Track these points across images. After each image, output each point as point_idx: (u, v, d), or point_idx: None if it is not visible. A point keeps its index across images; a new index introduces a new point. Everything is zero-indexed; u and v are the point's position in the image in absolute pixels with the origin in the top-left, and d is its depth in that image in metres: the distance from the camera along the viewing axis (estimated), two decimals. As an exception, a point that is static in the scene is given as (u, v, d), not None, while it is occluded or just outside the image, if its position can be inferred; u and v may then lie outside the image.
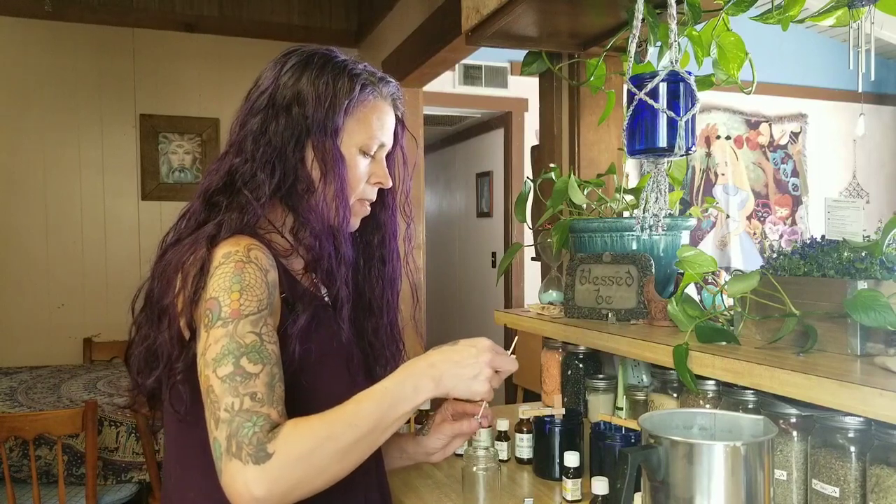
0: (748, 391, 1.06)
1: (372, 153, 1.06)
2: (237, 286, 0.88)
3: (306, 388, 0.95)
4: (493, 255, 5.33)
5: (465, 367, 0.94)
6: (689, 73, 1.11)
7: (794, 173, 5.02)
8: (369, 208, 1.11)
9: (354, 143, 1.04)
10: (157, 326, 0.94)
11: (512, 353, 1.01)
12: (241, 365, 0.83)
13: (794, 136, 5.02)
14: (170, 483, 1.03)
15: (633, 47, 1.18)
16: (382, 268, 1.16)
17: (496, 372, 0.96)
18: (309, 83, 1.01)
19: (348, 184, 1.04)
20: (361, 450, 0.86)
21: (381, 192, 1.12)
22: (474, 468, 1.19)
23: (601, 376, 1.57)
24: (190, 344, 0.91)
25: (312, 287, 1.04)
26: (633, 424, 1.28)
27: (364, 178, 1.07)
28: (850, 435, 0.91)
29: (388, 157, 1.11)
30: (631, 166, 1.96)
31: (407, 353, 1.17)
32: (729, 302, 1.24)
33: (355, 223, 1.10)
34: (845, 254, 1.04)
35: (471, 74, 4.45)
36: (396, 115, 1.11)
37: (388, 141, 1.09)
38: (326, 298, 1.05)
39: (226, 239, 0.93)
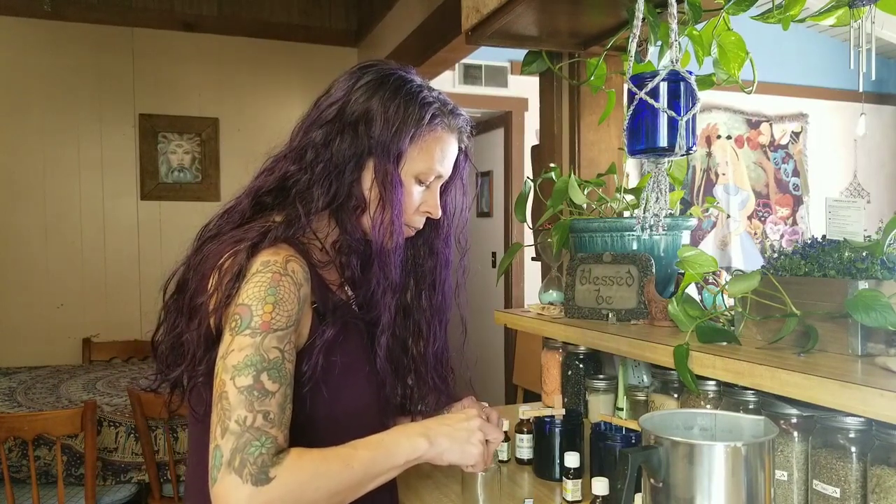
0: (749, 391, 1.05)
1: (427, 183, 1.06)
2: (272, 298, 0.87)
3: (327, 399, 0.96)
4: (493, 255, 5.33)
5: (458, 431, 0.97)
6: (690, 73, 1.10)
7: (795, 173, 5.02)
8: (413, 233, 1.11)
9: (413, 171, 1.03)
10: (186, 322, 0.94)
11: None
12: (261, 380, 0.84)
13: (795, 135, 5.01)
14: (191, 479, 1.03)
15: (633, 47, 1.18)
16: (433, 294, 1.15)
17: (487, 442, 0.99)
18: (380, 104, 1.01)
19: (404, 208, 1.03)
20: (351, 493, 0.88)
21: (437, 220, 1.12)
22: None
23: (601, 376, 1.57)
24: (215, 346, 0.90)
25: (346, 299, 1.04)
26: (633, 425, 1.27)
27: (415, 205, 1.06)
28: (851, 435, 0.91)
29: (447, 185, 1.12)
30: (631, 166, 1.96)
31: (456, 382, 1.18)
32: (730, 302, 1.23)
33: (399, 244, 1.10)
34: (846, 254, 1.03)
35: (471, 74, 4.45)
36: (460, 147, 1.11)
37: (446, 173, 1.09)
38: (353, 306, 1.05)
39: (268, 247, 0.92)
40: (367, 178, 1.01)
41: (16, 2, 3.89)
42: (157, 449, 2.50)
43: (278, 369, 0.86)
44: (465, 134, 1.10)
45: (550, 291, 1.70)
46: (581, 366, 1.61)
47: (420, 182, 1.05)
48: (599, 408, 1.55)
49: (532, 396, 3.27)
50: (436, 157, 1.05)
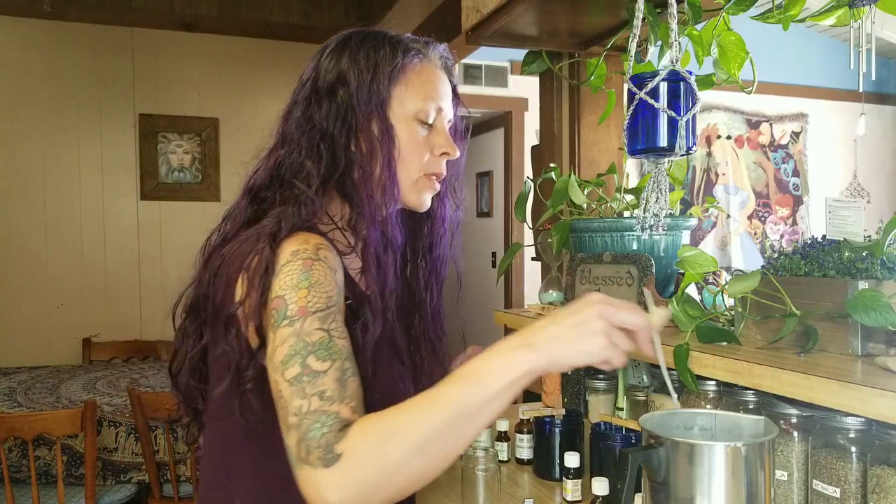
0: (749, 391, 1.05)
1: (430, 121, 0.98)
2: (305, 283, 0.82)
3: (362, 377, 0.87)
4: (493, 255, 5.33)
5: (569, 327, 0.76)
6: (690, 73, 1.10)
7: (795, 173, 5.02)
8: (438, 185, 1.03)
9: (408, 112, 0.97)
10: (223, 335, 0.88)
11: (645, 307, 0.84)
12: (308, 364, 0.78)
13: (795, 135, 5.01)
14: (210, 489, 0.98)
15: (633, 47, 1.18)
16: (429, 257, 1.09)
17: (621, 331, 0.78)
18: (349, 60, 0.96)
19: (398, 158, 0.96)
20: (446, 440, 0.74)
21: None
22: (474, 469, 1.19)
23: (601, 376, 1.57)
24: (259, 350, 0.86)
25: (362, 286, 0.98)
26: (633, 425, 1.27)
27: (426, 148, 0.98)
28: (851, 435, 0.91)
29: None
30: (631, 166, 1.96)
31: (448, 342, 1.12)
32: (729, 302, 1.23)
33: (425, 200, 1.02)
34: (846, 254, 1.03)
35: (471, 74, 4.45)
36: (450, 82, 1.03)
37: (447, 107, 1.01)
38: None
39: (291, 236, 0.87)
40: (361, 138, 0.96)
41: (16, 2, 3.89)
42: (156, 449, 2.50)
43: (326, 348, 0.79)
44: (450, 64, 1.04)
45: (550, 291, 1.70)
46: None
47: (422, 122, 0.98)
48: (599, 408, 1.55)
49: (532, 396, 3.27)
50: (425, 88, 0.98)
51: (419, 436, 0.73)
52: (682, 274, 1.23)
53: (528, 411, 1.46)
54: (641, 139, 1.13)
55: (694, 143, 1.12)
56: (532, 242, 1.81)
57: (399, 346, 1.02)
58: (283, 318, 0.81)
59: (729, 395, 1.10)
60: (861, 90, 4.48)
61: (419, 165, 0.98)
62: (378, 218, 0.95)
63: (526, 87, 4.50)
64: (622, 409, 1.50)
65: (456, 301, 1.16)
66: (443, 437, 0.73)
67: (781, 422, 0.99)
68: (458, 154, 1.02)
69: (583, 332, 0.76)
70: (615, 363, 0.78)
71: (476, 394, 0.75)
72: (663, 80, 1.09)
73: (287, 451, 0.77)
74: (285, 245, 0.86)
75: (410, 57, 0.98)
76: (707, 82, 1.39)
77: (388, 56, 0.96)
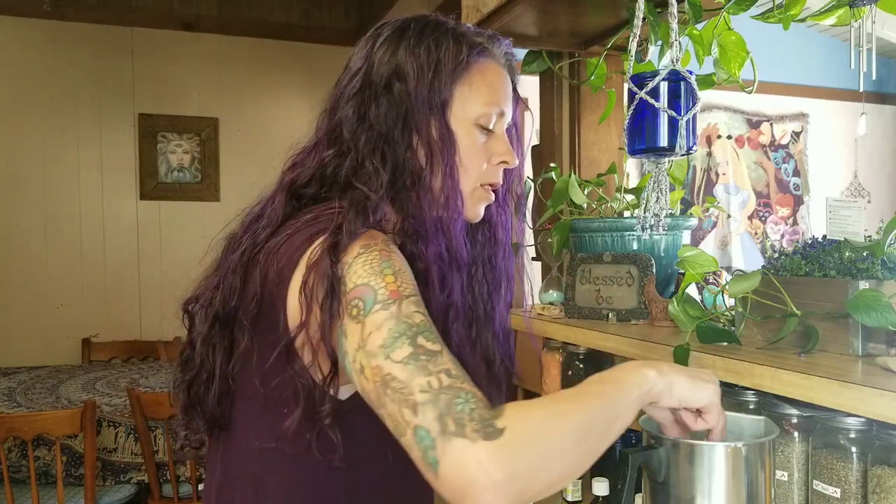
0: (749, 392, 1.05)
1: (491, 126, 0.91)
2: (389, 269, 0.75)
3: None
4: (494, 254, 5.32)
5: (688, 369, 0.81)
6: (690, 73, 1.10)
7: (796, 173, 5.02)
8: (493, 196, 0.95)
9: (469, 116, 0.89)
10: (285, 362, 0.79)
11: None
12: (420, 343, 0.69)
13: (796, 135, 5.01)
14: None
15: (633, 46, 1.17)
16: (491, 270, 0.99)
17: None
18: (408, 53, 0.87)
19: (459, 166, 0.88)
20: (596, 435, 0.71)
21: None
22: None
23: (601, 376, 1.56)
24: (333, 378, 0.78)
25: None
26: (633, 425, 1.27)
27: (484, 157, 0.91)
28: (852, 436, 0.91)
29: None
30: (631, 166, 1.96)
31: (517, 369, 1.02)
32: (730, 302, 1.23)
33: (479, 212, 0.94)
34: (847, 254, 1.03)
35: (471, 74, 4.45)
36: (512, 81, 0.95)
37: (508, 110, 0.93)
38: None
39: (351, 242, 0.78)
40: (415, 142, 0.87)
41: (15, 1, 3.89)
42: (156, 449, 2.50)
43: (431, 331, 0.72)
44: (514, 63, 0.96)
45: (550, 291, 1.69)
46: (581, 366, 1.61)
47: (482, 128, 0.90)
48: (599, 408, 1.54)
49: (532, 396, 3.27)
50: (489, 90, 0.90)
51: (578, 424, 0.69)
52: (683, 274, 1.23)
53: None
54: (642, 139, 1.13)
55: (694, 143, 1.12)
56: (532, 242, 1.81)
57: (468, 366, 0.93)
58: (374, 303, 0.72)
59: (729, 395, 1.10)
60: (862, 90, 4.47)
61: (477, 175, 0.91)
62: (442, 231, 0.87)
63: (526, 87, 4.48)
64: (622, 410, 1.50)
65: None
66: (594, 431, 0.70)
67: (782, 422, 0.99)
68: (517, 163, 0.94)
69: (700, 375, 0.80)
70: (710, 418, 0.81)
71: (618, 399, 0.74)
72: (664, 79, 1.09)
73: (411, 438, 0.66)
74: (352, 246, 0.78)
75: (476, 54, 0.89)
76: (707, 82, 1.39)
77: (451, 51, 0.88)
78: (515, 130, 0.97)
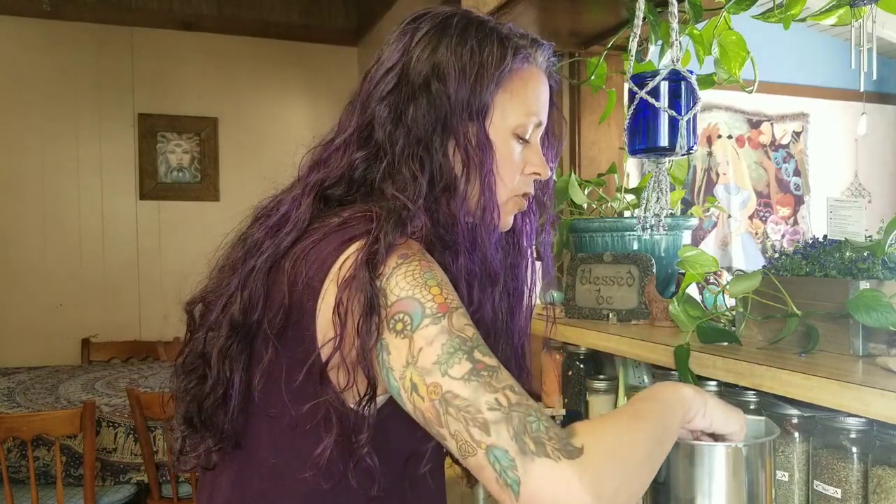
0: (750, 392, 1.05)
1: (527, 136, 0.87)
2: (433, 280, 0.71)
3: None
4: (494, 254, 5.32)
5: (725, 405, 0.82)
6: (691, 72, 1.10)
7: (796, 173, 5.02)
8: (525, 204, 0.92)
9: (508, 125, 0.85)
10: (317, 385, 0.75)
11: None
12: (478, 359, 0.67)
13: (796, 135, 5.01)
14: None
15: (634, 46, 1.17)
16: (513, 281, 0.94)
17: None
18: (449, 52, 0.82)
19: (497, 177, 0.84)
20: (658, 453, 0.71)
21: None
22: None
23: (602, 377, 1.56)
24: (371, 401, 0.73)
25: None
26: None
27: (520, 167, 0.87)
28: (852, 436, 0.91)
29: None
30: (632, 166, 1.95)
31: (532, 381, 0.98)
32: (730, 302, 1.23)
33: (508, 222, 0.91)
34: (847, 254, 1.03)
35: (471, 74, 4.44)
36: (550, 86, 0.91)
37: (545, 119, 0.90)
38: None
39: (388, 256, 0.74)
40: (451, 148, 0.83)
41: (15, 1, 3.89)
42: (156, 449, 2.50)
43: (484, 345, 0.69)
44: (554, 69, 0.91)
45: (550, 291, 1.69)
46: (581, 366, 1.61)
47: (519, 138, 0.86)
48: (600, 408, 1.54)
49: (532, 396, 3.27)
50: (530, 100, 0.86)
51: (645, 441, 0.68)
52: (683, 274, 1.23)
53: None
54: (642, 139, 1.13)
55: (695, 143, 1.12)
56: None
57: None
58: (423, 317, 0.68)
59: (730, 395, 1.10)
60: (862, 90, 4.47)
61: (511, 185, 0.87)
62: (476, 243, 0.83)
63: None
64: (622, 410, 1.50)
65: (546, 333, 1.06)
66: (659, 447, 0.70)
67: (783, 422, 0.99)
68: (549, 175, 0.90)
69: (730, 407, 0.82)
70: (736, 437, 0.82)
71: (667, 415, 0.73)
72: (664, 79, 1.09)
73: (484, 459, 0.64)
74: (387, 262, 0.73)
75: (520, 60, 0.85)
76: (708, 82, 1.38)
77: (496, 55, 0.83)
78: (548, 138, 0.93)
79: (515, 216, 0.93)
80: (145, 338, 4.12)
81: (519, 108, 0.85)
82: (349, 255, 0.74)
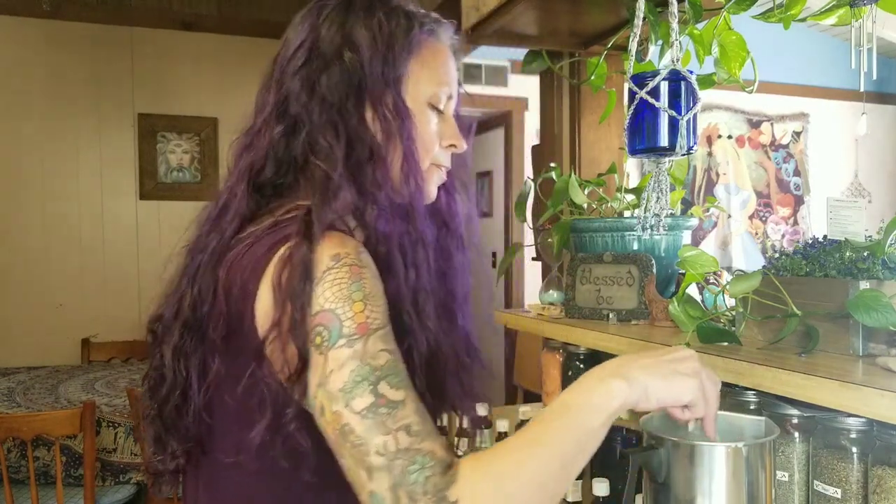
0: (750, 392, 1.05)
1: (441, 106, 0.89)
2: (359, 294, 0.70)
3: None
4: (494, 255, 5.33)
5: (662, 362, 0.75)
6: (691, 72, 1.10)
7: (796, 173, 5.02)
8: (445, 175, 0.92)
9: (422, 94, 0.86)
10: (253, 365, 0.74)
11: None
12: (382, 392, 0.67)
13: (796, 135, 5.01)
14: None
15: (634, 46, 1.17)
16: (447, 262, 0.94)
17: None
18: (358, 25, 0.83)
19: (419, 143, 0.85)
20: (559, 476, 0.69)
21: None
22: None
23: (601, 377, 1.56)
24: (301, 375, 0.71)
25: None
26: (633, 425, 1.27)
27: (436, 137, 0.89)
28: (852, 436, 0.91)
29: None
30: (632, 166, 1.95)
31: (484, 358, 0.98)
32: (730, 302, 1.23)
33: (433, 192, 0.91)
34: (847, 254, 1.03)
35: (470, 73, 4.45)
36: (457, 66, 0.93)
37: (455, 94, 0.91)
38: None
39: (325, 236, 0.74)
40: (369, 117, 0.84)
41: (15, 1, 3.89)
42: (156, 449, 2.50)
43: (395, 373, 0.69)
44: (458, 50, 0.93)
45: (550, 291, 1.69)
46: (581, 366, 1.61)
47: (433, 107, 0.88)
48: (599, 408, 1.54)
49: (532, 396, 3.27)
50: (440, 71, 0.88)
51: (536, 473, 0.67)
52: (683, 274, 1.23)
53: (529, 412, 1.46)
54: (642, 139, 1.13)
55: (695, 143, 1.12)
56: (532, 242, 1.80)
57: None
58: (339, 336, 0.69)
59: (730, 395, 1.10)
60: (862, 90, 4.47)
61: (429, 156, 0.88)
62: (404, 209, 0.83)
63: (526, 87, 4.50)
64: (622, 410, 1.50)
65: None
66: (556, 472, 0.69)
67: (783, 422, 0.99)
68: (465, 146, 0.92)
69: (677, 369, 0.75)
70: (696, 412, 0.78)
71: (581, 427, 0.71)
72: (664, 79, 1.09)
73: (369, 498, 0.66)
74: (322, 247, 0.73)
75: (426, 32, 0.87)
76: (708, 82, 1.38)
77: (403, 26, 0.85)
78: (459, 118, 0.94)
79: (439, 197, 0.94)
80: (146, 338, 4.11)
81: (431, 78, 0.87)
82: (283, 252, 0.74)
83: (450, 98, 0.90)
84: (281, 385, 0.73)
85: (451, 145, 0.91)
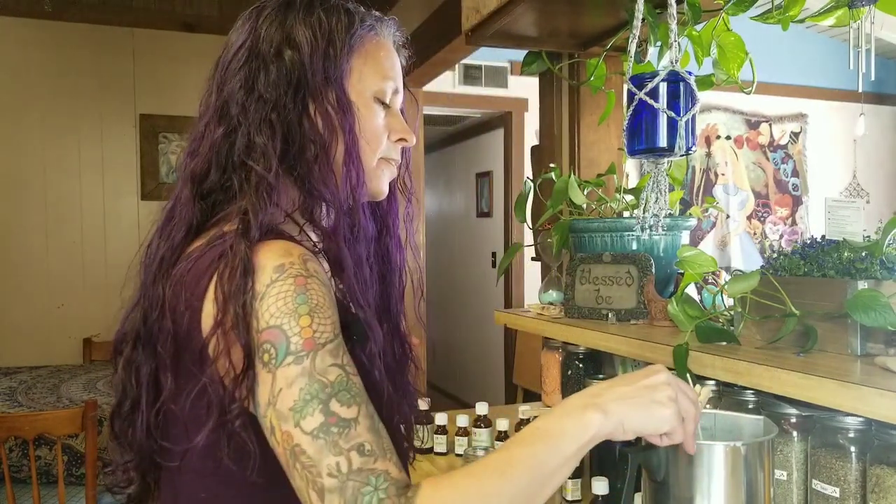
0: (748, 391, 1.06)
1: (387, 100, 0.88)
2: (304, 307, 0.69)
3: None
4: (493, 255, 5.33)
5: (637, 391, 0.75)
6: (690, 73, 1.10)
7: (795, 173, 5.02)
8: (395, 169, 0.92)
9: (367, 89, 0.86)
10: (199, 370, 0.73)
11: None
12: (333, 411, 0.65)
13: (795, 135, 5.01)
14: None
15: (633, 47, 1.18)
16: (385, 262, 0.94)
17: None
18: (298, 23, 0.83)
19: (361, 138, 0.85)
20: (529, 500, 0.68)
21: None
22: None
23: (601, 376, 1.57)
24: (248, 373, 0.69)
25: (339, 294, 0.80)
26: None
27: (384, 131, 0.88)
28: (851, 435, 0.91)
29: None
30: (631, 166, 1.96)
31: (417, 357, 0.98)
32: (729, 302, 1.24)
33: (383, 188, 0.91)
34: (845, 254, 1.03)
35: (471, 74, 4.45)
36: (401, 63, 0.92)
37: (401, 88, 0.91)
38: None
39: (266, 242, 0.73)
40: (312, 112, 0.83)
41: (16, 2, 3.89)
42: (157, 449, 2.50)
43: (347, 389, 0.67)
44: (402, 46, 0.93)
45: (550, 291, 1.70)
46: (581, 366, 1.61)
47: (379, 101, 0.87)
48: (599, 408, 1.55)
49: (532, 396, 3.27)
50: (385, 65, 0.88)
51: (500, 499, 0.66)
52: (682, 274, 1.24)
53: (528, 411, 1.46)
54: (641, 139, 1.13)
55: (693, 144, 1.12)
56: (532, 242, 1.81)
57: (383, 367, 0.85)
58: (286, 354, 0.67)
59: (729, 394, 1.11)
60: (860, 90, 4.47)
61: (378, 150, 0.88)
62: (346, 206, 0.82)
63: (526, 88, 4.50)
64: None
65: (415, 309, 0.99)
66: (521, 499, 0.67)
67: (781, 422, 0.99)
68: (414, 141, 0.91)
69: (654, 398, 0.74)
70: (674, 439, 0.77)
71: (550, 457, 0.69)
72: (663, 80, 1.09)
73: None
74: (264, 254, 0.72)
75: (366, 28, 0.87)
76: (706, 83, 1.39)
77: (344, 22, 0.84)
78: (405, 114, 0.94)
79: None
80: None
81: (375, 72, 0.87)
82: (234, 250, 0.73)
83: (396, 92, 0.90)
84: (225, 387, 0.72)
85: (401, 139, 0.90)
